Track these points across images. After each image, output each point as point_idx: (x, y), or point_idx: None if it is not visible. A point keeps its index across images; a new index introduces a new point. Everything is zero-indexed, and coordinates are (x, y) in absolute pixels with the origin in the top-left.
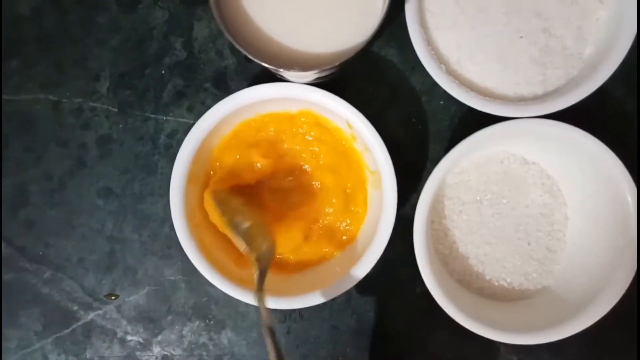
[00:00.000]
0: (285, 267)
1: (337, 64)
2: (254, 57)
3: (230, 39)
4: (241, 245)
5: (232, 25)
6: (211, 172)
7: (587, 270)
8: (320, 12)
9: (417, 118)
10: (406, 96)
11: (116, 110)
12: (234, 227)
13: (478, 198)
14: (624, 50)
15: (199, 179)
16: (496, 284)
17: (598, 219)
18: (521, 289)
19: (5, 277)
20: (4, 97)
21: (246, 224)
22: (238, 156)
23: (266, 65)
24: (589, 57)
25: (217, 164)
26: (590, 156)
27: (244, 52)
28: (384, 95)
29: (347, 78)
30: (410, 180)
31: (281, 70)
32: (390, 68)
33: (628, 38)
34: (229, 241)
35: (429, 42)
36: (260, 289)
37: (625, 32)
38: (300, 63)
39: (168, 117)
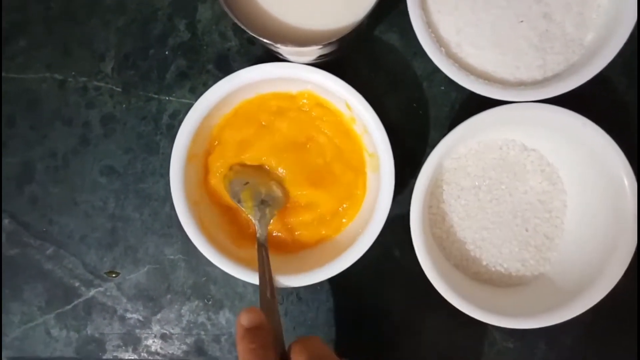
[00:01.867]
0: (283, 247)
1: (334, 39)
2: (254, 32)
3: (231, 15)
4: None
5: (233, 3)
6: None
7: (584, 258)
8: None
9: (417, 103)
10: (407, 82)
11: (120, 90)
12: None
13: (476, 183)
14: (623, 37)
15: (199, 158)
16: (493, 269)
17: (596, 207)
18: (517, 275)
19: (10, 252)
20: (11, 75)
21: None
22: (240, 133)
23: (266, 41)
24: (590, 44)
25: (216, 142)
26: (589, 142)
27: (241, 26)
28: (385, 80)
29: (348, 63)
30: (409, 165)
31: (281, 47)
32: (391, 53)
33: (628, 25)
34: (228, 221)
35: (430, 26)
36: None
37: (626, 19)
38: (300, 39)
39: (171, 98)
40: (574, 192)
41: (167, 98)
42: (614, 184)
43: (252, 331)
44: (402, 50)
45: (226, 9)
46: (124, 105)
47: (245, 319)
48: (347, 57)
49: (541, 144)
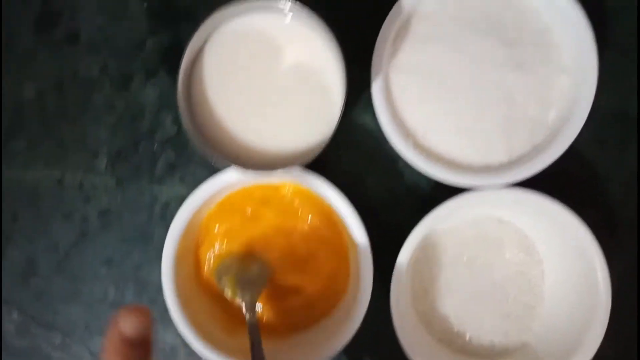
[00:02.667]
0: (275, 332)
1: (305, 158)
2: (219, 156)
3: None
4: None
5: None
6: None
7: (565, 326)
8: (284, 118)
9: (395, 182)
10: (384, 161)
11: (114, 184)
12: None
13: (455, 259)
14: (584, 113)
15: (190, 251)
16: (477, 342)
17: (572, 275)
18: (501, 346)
19: (20, 343)
20: (12, 173)
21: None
22: (227, 224)
23: (232, 164)
24: (553, 123)
25: (205, 235)
26: (558, 221)
27: (208, 152)
28: (362, 160)
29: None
30: (392, 242)
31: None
32: (367, 134)
33: (587, 103)
34: (221, 309)
35: (396, 116)
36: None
37: (585, 96)
38: (263, 161)
39: (162, 189)
40: (550, 260)
41: (159, 188)
42: (584, 259)
43: (133, 345)
44: (377, 130)
45: (189, 129)
46: (118, 198)
47: (127, 324)
48: None
49: (516, 218)
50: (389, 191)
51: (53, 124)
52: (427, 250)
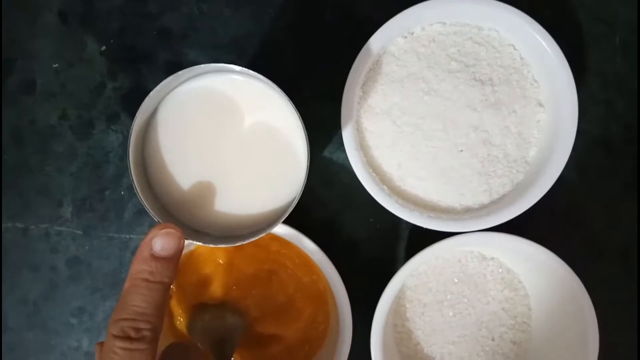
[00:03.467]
0: None
1: (266, 229)
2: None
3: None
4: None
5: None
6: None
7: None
8: (247, 181)
9: (374, 217)
10: (361, 197)
11: (81, 232)
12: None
13: (439, 299)
14: (566, 151)
15: None
16: None
17: (558, 312)
18: None
19: None
20: None
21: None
22: (199, 274)
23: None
24: (534, 160)
25: (176, 286)
26: (542, 262)
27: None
28: (340, 197)
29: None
30: (376, 280)
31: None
32: (342, 171)
33: (569, 138)
34: None
35: (370, 162)
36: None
37: (566, 133)
38: (230, 231)
39: (131, 236)
40: (536, 295)
41: (127, 236)
42: (569, 298)
43: (162, 263)
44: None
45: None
46: (86, 247)
47: (158, 243)
48: None
49: (499, 253)
50: (370, 227)
51: (13, 176)
52: (410, 291)
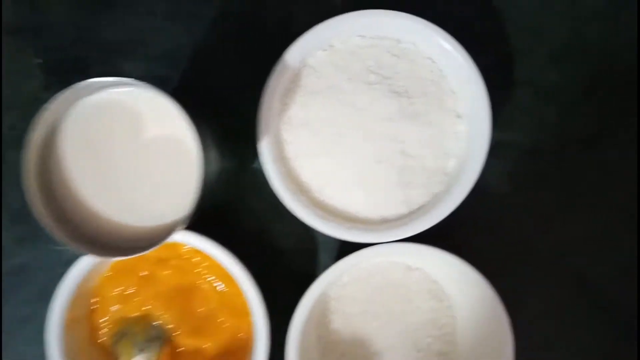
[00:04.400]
0: None
1: (161, 239)
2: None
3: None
4: None
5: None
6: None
7: None
8: (145, 192)
9: (304, 228)
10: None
11: (12, 244)
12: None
13: (363, 309)
14: (480, 160)
15: (82, 320)
16: None
17: (481, 322)
18: None
19: None
20: None
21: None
22: (121, 287)
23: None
24: (453, 171)
25: (97, 300)
26: (462, 274)
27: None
28: (270, 207)
29: (231, 195)
30: (303, 289)
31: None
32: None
33: (482, 148)
34: None
35: (290, 173)
36: None
37: (480, 145)
38: (128, 243)
39: (63, 249)
40: (460, 305)
41: (59, 249)
42: (487, 306)
43: None
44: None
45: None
46: (17, 260)
47: None
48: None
49: (425, 263)
50: (300, 238)
51: None
52: (334, 302)
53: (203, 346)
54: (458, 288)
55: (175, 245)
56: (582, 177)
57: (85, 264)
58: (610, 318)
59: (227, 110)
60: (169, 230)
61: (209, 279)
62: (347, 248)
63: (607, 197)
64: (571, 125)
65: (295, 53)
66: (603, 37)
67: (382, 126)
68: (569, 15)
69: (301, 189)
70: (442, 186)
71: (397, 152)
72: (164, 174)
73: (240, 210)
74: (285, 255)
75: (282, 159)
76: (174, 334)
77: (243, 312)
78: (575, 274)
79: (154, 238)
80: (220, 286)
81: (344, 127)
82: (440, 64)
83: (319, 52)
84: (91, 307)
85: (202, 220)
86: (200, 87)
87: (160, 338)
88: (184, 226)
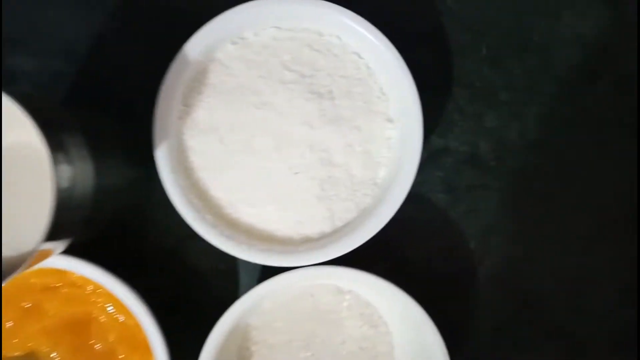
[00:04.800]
0: None
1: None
2: None
3: None
4: None
5: None
6: None
7: None
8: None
9: None
10: None
11: None
12: None
13: (288, 339)
14: (412, 170)
15: None
16: None
17: (419, 350)
18: None
19: None
20: None
21: None
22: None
23: None
24: (384, 181)
25: None
26: (393, 297)
27: None
28: (182, 222)
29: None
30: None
31: None
32: None
33: (414, 159)
34: None
35: (195, 186)
36: None
37: (412, 152)
38: None
39: None
40: (398, 330)
41: None
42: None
43: None
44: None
45: None
46: None
47: None
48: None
49: (357, 285)
50: (218, 257)
51: None
52: (255, 331)
53: None
54: (394, 312)
55: (66, 272)
56: (527, 185)
57: None
58: (557, 333)
59: (131, 111)
60: (20, 259)
61: (108, 309)
62: (271, 268)
63: (551, 206)
64: (513, 130)
65: (199, 45)
66: (546, 35)
67: (301, 132)
68: (512, 10)
69: (208, 205)
70: (372, 199)
71: (318, 162)
72: (15, 191)
73: (150, 225)
74: (201, 277)
75: (184, 170)
76: None
77: (146, 347)
78: (520, 290)
79: (6, 268)
80: (119, 319)
81: (257, 133)
82: (369, 60)
83: (229, 45)
84: None
85: (102, 239)
86: (102, 84)
87: None
88: (57, 251)
